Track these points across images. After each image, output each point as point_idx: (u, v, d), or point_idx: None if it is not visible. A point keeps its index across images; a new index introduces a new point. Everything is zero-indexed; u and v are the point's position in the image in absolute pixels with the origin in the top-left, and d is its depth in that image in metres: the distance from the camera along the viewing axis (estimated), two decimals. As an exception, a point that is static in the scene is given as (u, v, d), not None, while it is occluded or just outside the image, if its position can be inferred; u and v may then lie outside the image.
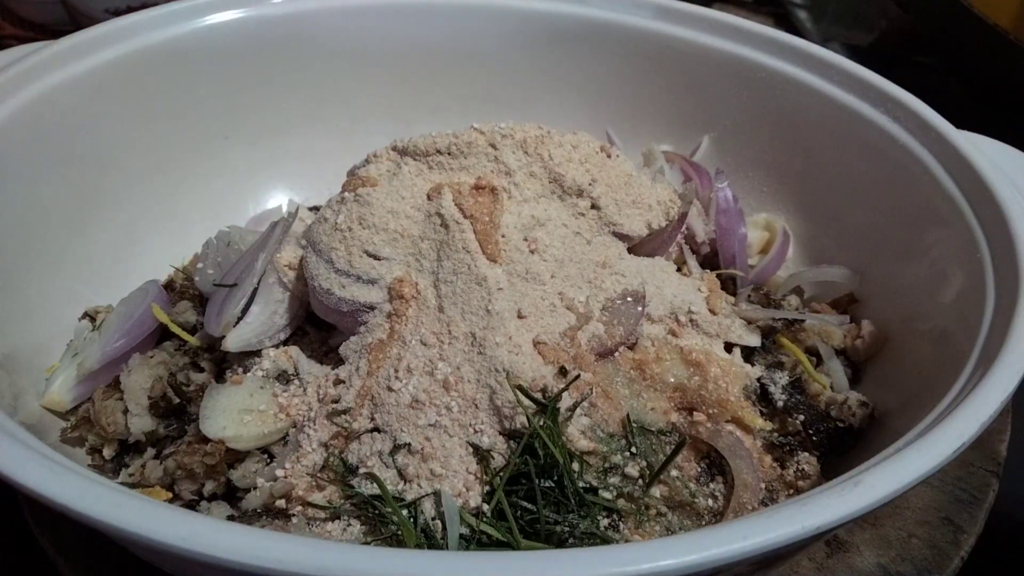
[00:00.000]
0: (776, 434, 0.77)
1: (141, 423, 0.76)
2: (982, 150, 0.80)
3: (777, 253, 0.97)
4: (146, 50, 0.95)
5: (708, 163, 1.05)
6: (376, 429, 0.69)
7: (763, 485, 0.72)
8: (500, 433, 0.67)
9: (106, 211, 0.94)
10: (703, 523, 0.69)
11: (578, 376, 0.70)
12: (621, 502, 0.67)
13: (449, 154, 0.80)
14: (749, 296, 0.91)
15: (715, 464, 0.73)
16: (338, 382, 0.73)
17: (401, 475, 0.66)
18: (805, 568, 0.72)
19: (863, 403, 0.78)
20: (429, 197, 0.76)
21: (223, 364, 0.80)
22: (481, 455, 0.67)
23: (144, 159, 0.98)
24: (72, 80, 0.89)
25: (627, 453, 0.69)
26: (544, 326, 0.73)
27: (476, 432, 0.67)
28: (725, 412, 0.73)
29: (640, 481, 0.69)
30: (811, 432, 0.76)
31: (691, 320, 0.80)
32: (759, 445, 0.75)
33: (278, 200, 1.10)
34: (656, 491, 0.69)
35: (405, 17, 1.08)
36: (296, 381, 0.75)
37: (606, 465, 0.68)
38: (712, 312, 0.81)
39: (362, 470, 0.67)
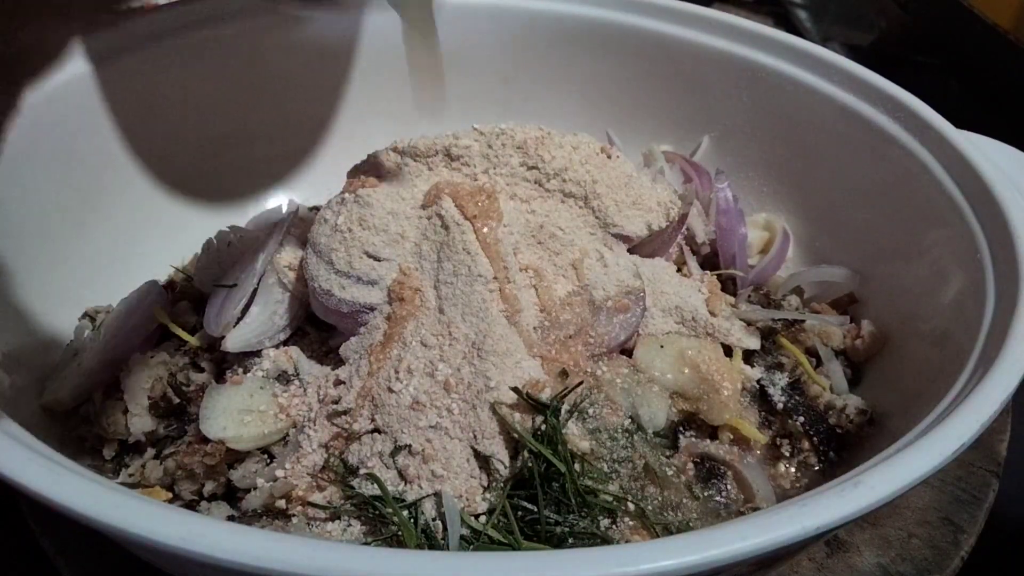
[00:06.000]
0: (776, 436, 0.77)
1: (141, 423, 0.76)
2: (982, 150, 0.80)
3: (777, 253, 0.97)
4: (147, 51, 0.95)
5: (708, 163, 1.05)
6: (376, 430, 0.69)
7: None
8: (500, 434, 0.67)
9: (106, 211, 0.94)
10: (704, 524, 0.69)
11: (581, 383, 0.70)
12: (621, 502, 0.67)
13: (448, 156, 0.80)
14: (749, 296, 0.91)
15: (715, 465, 0.73)
16: (338, 383, 0.73)
17: (402, 476, 0.67)
18: (805, 568, 0.72)
19: (862, 411, 0.78)
20: (429, 199, 0.76)
21: (223, 364, 0.80)
22: (482, 457, 0.67)
23: (144, 159, 0.98)
24: (72, 80, 0.89)
25: (627, 454, 0.69)
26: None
27: (477, 434, 0.67)
28: (723, 415, 0.74)
29: (640, 482, 0.69)
30: (811, 433, 0.76)
31: (691, 322, 0.80)
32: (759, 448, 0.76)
33: (278, 200, 1.10)
34: (656, 492, 0.69)
35: (405, 17, 1.07)
36: (296, 381, 0.76)
37: (606, 466, 0.68)
38: (712, 314, 0.81)
39: (362, 471, 0.67)
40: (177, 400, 0.77)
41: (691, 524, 0.68)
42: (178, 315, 0.84)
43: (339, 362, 0.75)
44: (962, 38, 1.42)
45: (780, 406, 0.77)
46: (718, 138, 1.07)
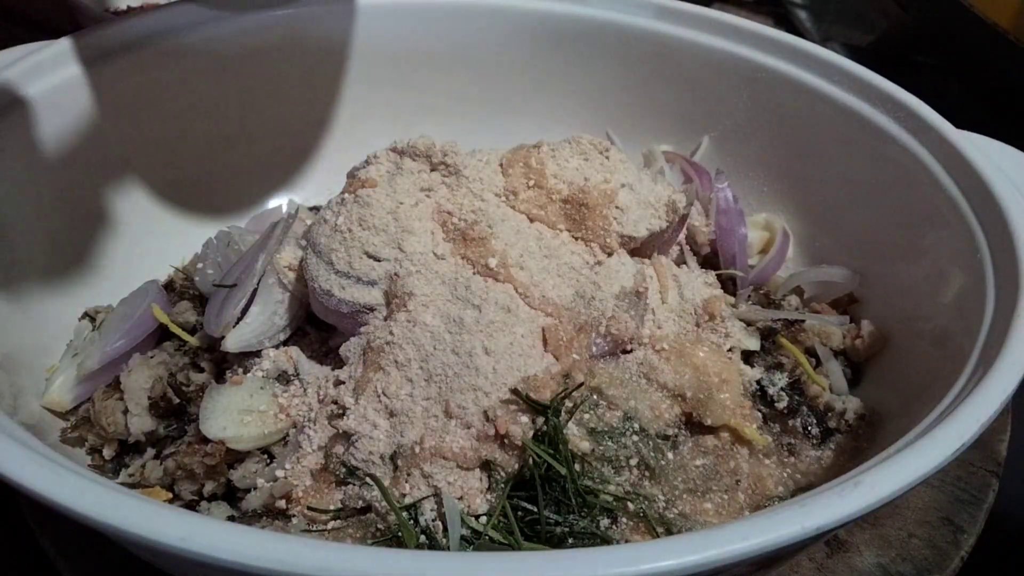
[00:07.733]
0: (775, 436, 0.77)
1: (141, 423, 0.76)
2: (982, 150, 0.80)
3: (777, 253, 0.97)
4: (147, 51, 0.95)
5: (708, 163, 1.05)
6: (376, 430, 0.68)
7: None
8: (501, 435, 0.67)
9: (106, 211, 0.94)
10: (703, 524, 0.69)
11: (582, 383, 0.70)
12: (621, 502, 0.67)
13: (444, 164, 0.79)
14: (749, 296, 0.91)
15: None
16: (338, 383, 0.73)
17: (401, 476, 0.66)
18: (805, 568, 0.72)
19: (861, 416, 0.78)
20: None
21: (223, 364, 0.80)
22: (483, 457, 0.67)
23: (144, 159, 0.98)
24: (72, 80, 0.89)
25: (627, 454, 0.69)
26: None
27: (478, 434, 0.67)
28: (723, 415, 0.73)
29: (640, 482, 0.69)
30: (811, 434, 0.76)
31: (691, 323, 0.80)
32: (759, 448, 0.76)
33: (278, 200, 1.10)
34: (656, 492, 0.69)
35: (405, 17, 1.08)
36: (296, 382, 0.76)
37: (606, 466, 0.68)
38: (712, 315, 0.81)
39: (362, 471, 0.67)
40: (177, 400, 0.77)
41: (691, 525, 0.69)
42: (178, 315, 0.84)
43: (339, 362, 0.75)
44: (962, 38, 1.42)
45: (780, 406, 0.77)
46: (718, 138, 1.07)
